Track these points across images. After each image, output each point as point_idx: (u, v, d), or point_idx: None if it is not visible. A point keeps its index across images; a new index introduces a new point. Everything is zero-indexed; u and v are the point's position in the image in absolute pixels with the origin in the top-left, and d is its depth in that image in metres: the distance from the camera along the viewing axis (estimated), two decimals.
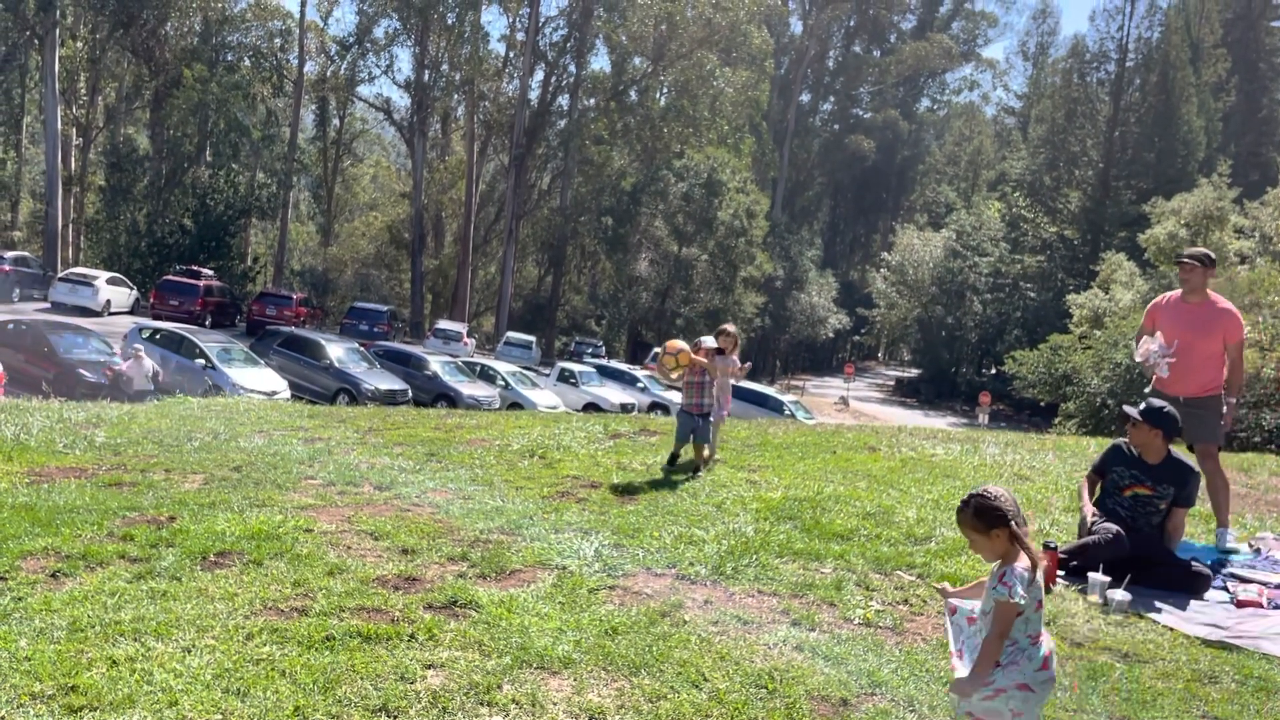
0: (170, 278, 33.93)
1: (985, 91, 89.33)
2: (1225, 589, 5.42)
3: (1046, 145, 60.91)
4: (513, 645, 3.75)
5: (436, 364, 25.41)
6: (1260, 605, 5.15)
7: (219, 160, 44.41)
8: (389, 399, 21.22)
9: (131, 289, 33.94)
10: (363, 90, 55.45)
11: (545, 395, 26.75)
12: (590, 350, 44.85)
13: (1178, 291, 6.48)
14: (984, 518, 2.76)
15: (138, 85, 46.73)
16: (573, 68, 51.85)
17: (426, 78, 49.01)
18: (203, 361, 19.70)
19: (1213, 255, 6.41)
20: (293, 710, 3.09)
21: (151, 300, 32.47)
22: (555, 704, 3.32)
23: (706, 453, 7.78)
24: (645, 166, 52.27)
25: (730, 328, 8.35)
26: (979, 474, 7.98)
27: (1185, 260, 6.35)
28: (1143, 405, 5.60)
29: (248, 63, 46.76)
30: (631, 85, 52.51)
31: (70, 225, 43.56)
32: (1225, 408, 6.27)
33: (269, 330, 26.12)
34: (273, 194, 47.30)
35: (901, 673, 3.80)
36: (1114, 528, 5.33)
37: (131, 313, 32.14)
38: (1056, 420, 30.52)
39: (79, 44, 41.66)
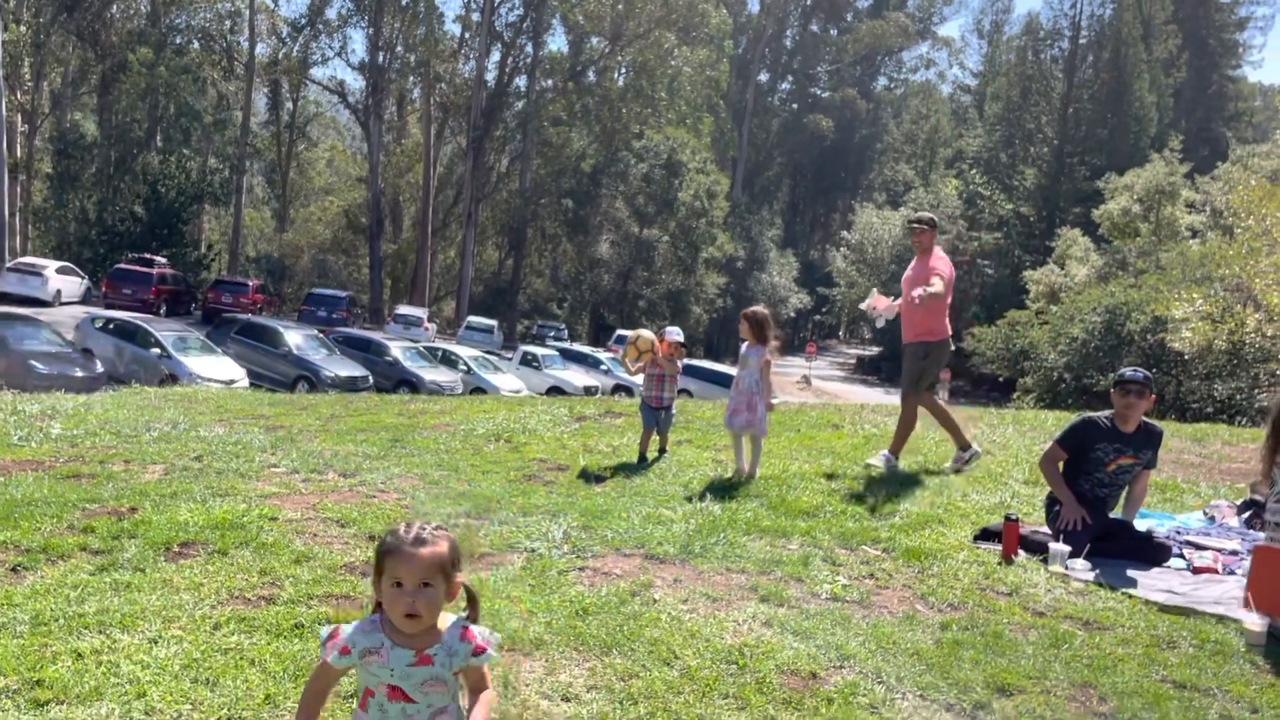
0: (122, 266, 33.30)
1: (941, 70, 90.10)
2: (1182, 556, 5.55)
3: (1002, 123, 61.57)
4: None
5: (397, 350, 25.21)
6: (1216, 571, 5.27)
7: (169, 146, 43.57)
8: (350, 386, 21.04)
9: (83, 278, 33.30)
10: (316, 73, 54.50)
11: (508, 379, 26.66)
12: (553, 333, 44.72)
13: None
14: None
15: (84, 70, 45.68)
16: (530, 48, 51.47)
17: (381, 59, 48.36)
18: (158, 351, 19.39)
19: (936, 219, 7.32)
20: (264, 698, 3.08)
21: (104, 289, 31.87)
22: (527, 685, 3.33)
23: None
24: (605, 148, 52.09)
25: (754, 310, 7.00)
26: (940, 449, 8.08)
27: (914, 224, 7.27)
28: (1134, 373, 5.62)
29: (197, 45, 45.85)
30: (589, 65, 52.25)
31: (18, 214, 42.54)
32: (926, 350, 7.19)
33: (225, 318, 25.76)
34: (225, 179, 46.52)
35: (869, 645, 3.85)
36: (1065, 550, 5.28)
37: (83, 302, 31.55)
38: (1015, 395, 31.00)
39: (22, 28, 40.56)
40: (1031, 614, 4.41)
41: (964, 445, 7.42)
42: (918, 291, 6.92)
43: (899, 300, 7.35)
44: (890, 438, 7.64)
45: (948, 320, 7.30)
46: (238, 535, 4.70)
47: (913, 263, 7.34)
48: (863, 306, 7.38)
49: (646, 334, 7.65)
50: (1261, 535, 5.25)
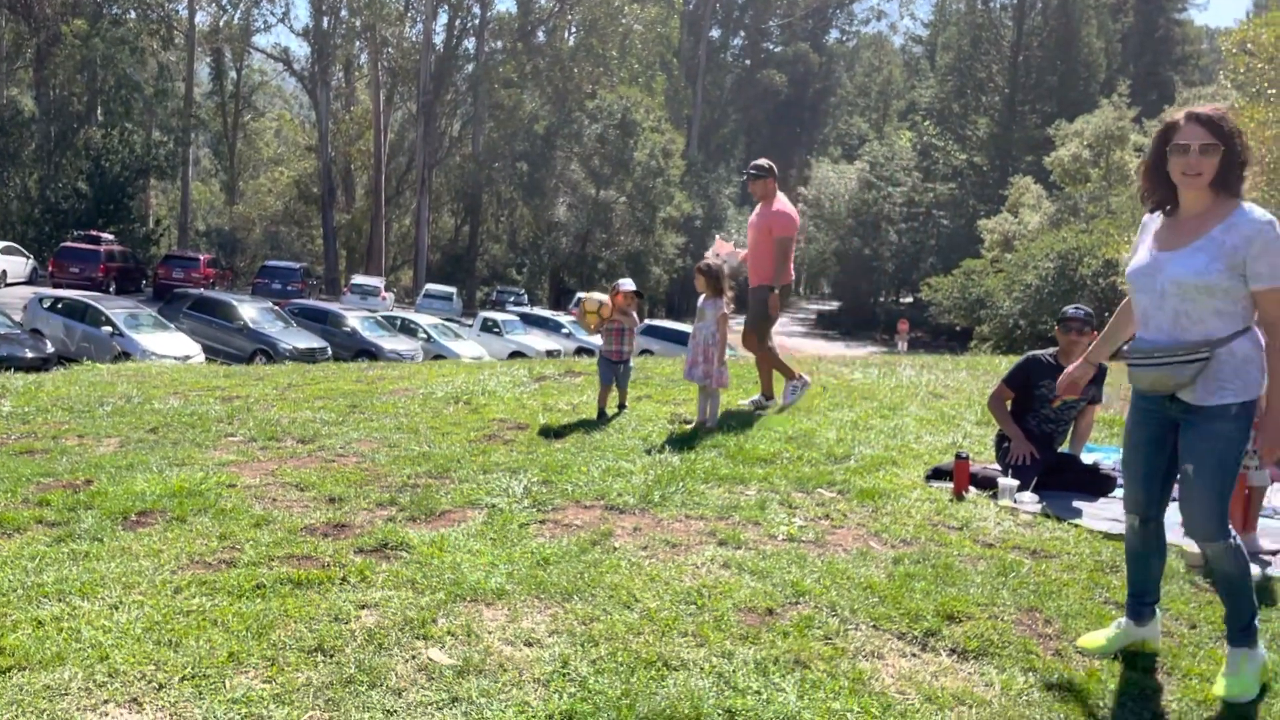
0: (69, 244, 32.68)
1: (893, 21, 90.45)
2: None
3: (953, 73, 61.75)
4: (446, 581, 3.80)
5: (355, 320, 25.02)
6: None
7: (111, 119, 42.58)
8: (308, 357, 20.86)
9: (28, 258, 32.63)
10: (259, 40, 53.52)
11: (469, 346, 26.58)
12: (513, 299, 44.54)
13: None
14: None
15: (18, 44, 44.35)
16: (477, 9, 50.71)
17: (326, 24, 47.46)
18: (110, 329, 19.11)
19: (772, 165, 7.52)
20: (227, 656, 3.11)
21: (51, 269, 31.26)
22: (490, 633, 3.39)
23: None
24: (558, 109, 51.61)
25: (709, 263, 7.01)
26: (895, 394, 8.21)
27: (749, 172, 7.47)
28: (1076, 310, 5.74)
29: (133, 15, 44.65)
30: (539, 25, 51.62)
31: None
32: (769, 296, 7.34)
33: (177, 293, 25.40)
34: (171, 152, 45.58)
35: (824, 581, 3.95)
36: (1014, 484, 5.43)
37: (30, 283, 30.94)
38: (972, 343, 31.43)
39: None
40: (981, 545, 4.54)
41: (769, 395, 7.67)
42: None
43: (742, 248, 7.67)
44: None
45: (792, 265, 7.52)
46: (196, 503, 4.70)
47: (757, 209, 7.55)
48: (707, 255, 7.60)
49: (595, 295, 7.62)
50: None
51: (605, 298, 7.51)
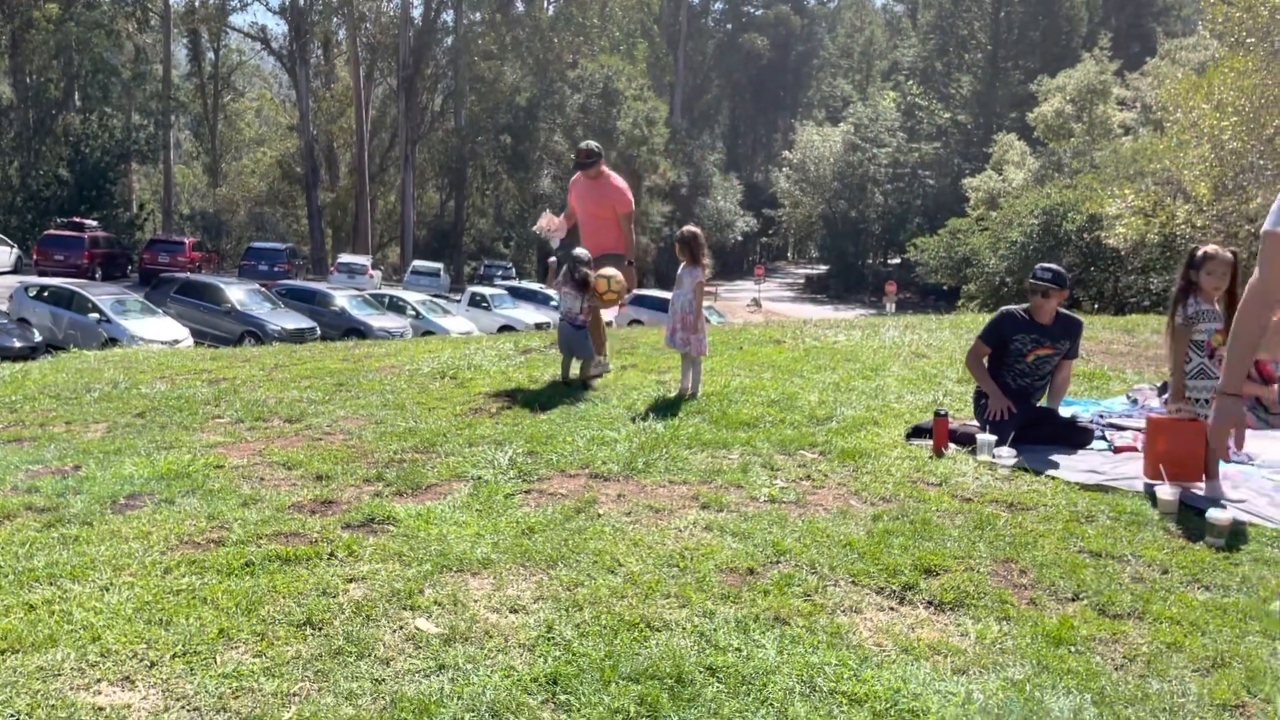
0: (52, 232, 32.52)
1: None
2: (1104, 438, 5.80)
3: (936, 31, 61.43)
4: (432, 553, 3.86)
5: (343, 299, 25.00)
6: (1135, 449, 5.52)
7: (89, 104, 42.21)
8: (297, 338, 20.86)
9: (12, 247, 32.46)
10: (236, 19, 52.94)
11: (458, 321, 26.59)
12: (500, 272, 44.45)
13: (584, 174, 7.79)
14: None
15: None
16: None
17: (302, 1, 46.91)
18: (97, 315, 19.06)
19: (599, 148, 7.84)
20: (217, 633, 3.16)
21: (35, 257, 31.11)
22: (476, 601, 3.45)
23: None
24: (539, 80, 51.23)
25: (684, 231, 7.07)
26: (878, 356, 8.27)
27: (584, 163, 7.70)
28: (1043, 271, 5.78)
29: None
30: None
31: None
32: (627, 270, 7.56)
33: (164, 278, 25.30)
34: (151, 135, 45.22)
35: (804, 540, 4.02)
36: (992, 439, 5.48)
37: (15, 271, 30.79)
38: (959, 302, 31.50)
39: None
40: (959, 500, 4.62)
41: (599, 352, 7.73)
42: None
43: (564, 216, 7.91)
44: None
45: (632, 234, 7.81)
46: (184, 484, 4.75)
47: (587, 184, 7.74)
48: (535, 229, 7.75)
49: (607, 270, 7.28)
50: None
51: (614, 271, 7.31)
